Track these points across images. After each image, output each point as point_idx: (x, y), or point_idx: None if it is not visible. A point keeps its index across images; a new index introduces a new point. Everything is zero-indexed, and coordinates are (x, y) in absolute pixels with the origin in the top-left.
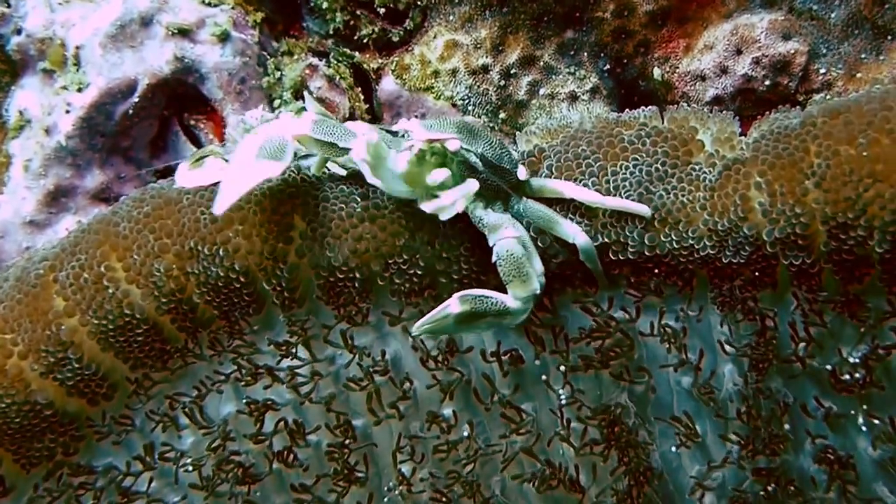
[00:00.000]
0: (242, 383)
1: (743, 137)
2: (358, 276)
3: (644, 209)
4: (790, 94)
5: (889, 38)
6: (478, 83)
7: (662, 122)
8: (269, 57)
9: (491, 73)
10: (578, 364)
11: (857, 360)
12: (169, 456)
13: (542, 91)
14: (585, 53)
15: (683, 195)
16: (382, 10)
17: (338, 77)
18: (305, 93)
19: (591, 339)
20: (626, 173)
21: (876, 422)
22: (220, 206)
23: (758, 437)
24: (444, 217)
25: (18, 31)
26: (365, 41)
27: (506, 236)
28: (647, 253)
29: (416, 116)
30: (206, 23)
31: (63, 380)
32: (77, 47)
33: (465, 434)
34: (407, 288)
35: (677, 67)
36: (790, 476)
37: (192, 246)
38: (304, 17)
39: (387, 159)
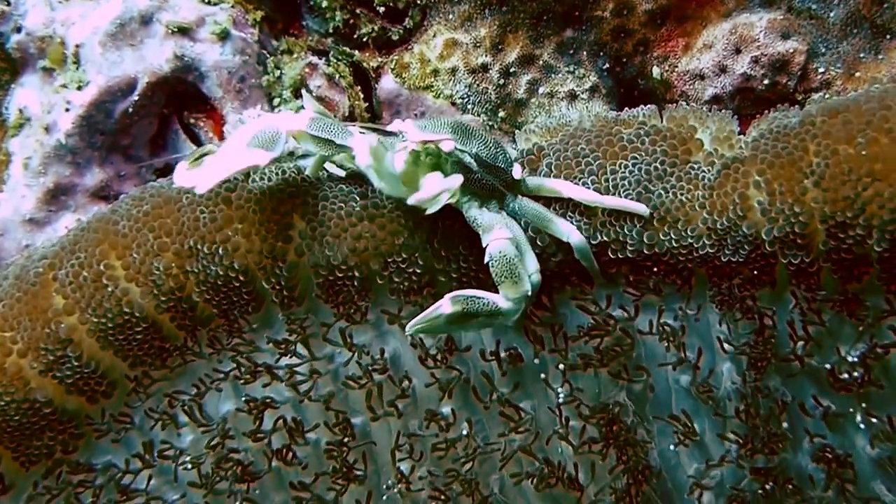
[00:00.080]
0: (241, 381)
1: (742, 136)
2: (357, 274)
3: (642, 208)
4: (789, 93)
5: (888, 37)
6: (477, 82)
7: (661, 121)
8: (268, 55)
9: (490, 71)
10: (577, 362)
11: (856, 359)
12: (168, 454)
13: (541, 90)
14: (585, 52)
15: (682, 194)
16: (382, 9)
17: (337, 76)
18: (304, 91)
19: (590, 338)
20: (625, 172)
21: (874, 420)
22: (202, 186)
23: (756, 436)
24: (429, 211)
25: (18, 30)
26: (364, 40)
27: (498, 237)
28: (646, 251)
29: (416, 115)
30: (206, 21)
31: (62, 378)
32: (77, 45)
33: (464, 432)
34: (406, 286)
35: (676, 66)
36: (788, 475)
37: (192, 244)
38: (304, 16)
39: (385, 160)
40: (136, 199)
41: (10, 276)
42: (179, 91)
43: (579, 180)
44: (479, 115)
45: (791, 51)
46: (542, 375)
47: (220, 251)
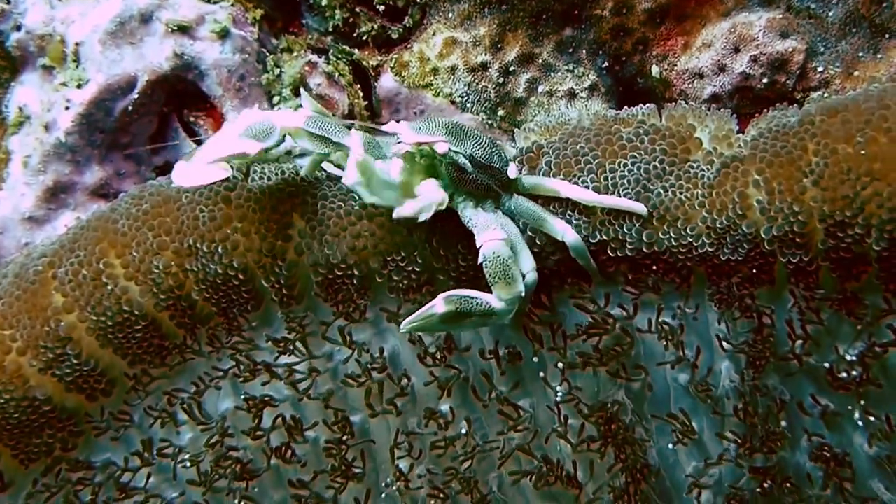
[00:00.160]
0: (241, 379)
1: (741, 135)
2: (356, 273)
3: (640, 208)
4: (788, 92)
5: (887, 36)
6: (476, 80)
7: (660, 120)
8: (268, 54)
9: (490, 70)
10: (576, 361)
11: (854, 358)
12: (167, 452)
13: (540, 88)
14: (584, 51)
15: (682, 192)
16: (382, 8)
17: (337, 74)
18: (302, 90)
19: (589, 336)
20: (624, 170)
21: (872, 419)
22: (192, 176)
23: (755, 435)
24: (420, 219)
25: (18, 28)
26: (364, 38)
27: (492, 238)
28: (645, 250)
29: (415, 113)
30: (206, 20)
31: (62, 376)
32: (77, 44)
33: (463, 430)
34: (405, 285)
35: (675, 65)
36: (787, 473)
37: (191, 243)
38: (304, 14)
39: (377, 172)
40: (135, 197)
41: (10, 274)
42: (179, 89)
43: (578, 179)
44: (478, 114)
45: (790, 50)
46: (541, 374)
47: (220, 250)
